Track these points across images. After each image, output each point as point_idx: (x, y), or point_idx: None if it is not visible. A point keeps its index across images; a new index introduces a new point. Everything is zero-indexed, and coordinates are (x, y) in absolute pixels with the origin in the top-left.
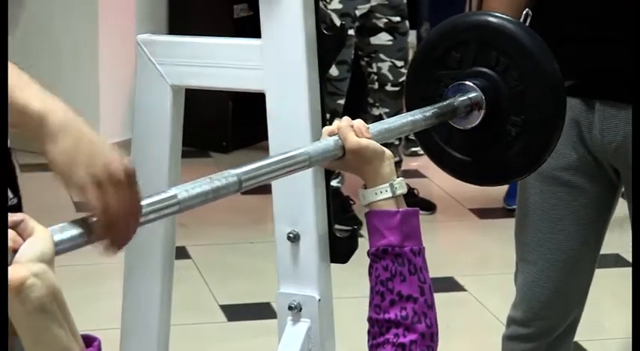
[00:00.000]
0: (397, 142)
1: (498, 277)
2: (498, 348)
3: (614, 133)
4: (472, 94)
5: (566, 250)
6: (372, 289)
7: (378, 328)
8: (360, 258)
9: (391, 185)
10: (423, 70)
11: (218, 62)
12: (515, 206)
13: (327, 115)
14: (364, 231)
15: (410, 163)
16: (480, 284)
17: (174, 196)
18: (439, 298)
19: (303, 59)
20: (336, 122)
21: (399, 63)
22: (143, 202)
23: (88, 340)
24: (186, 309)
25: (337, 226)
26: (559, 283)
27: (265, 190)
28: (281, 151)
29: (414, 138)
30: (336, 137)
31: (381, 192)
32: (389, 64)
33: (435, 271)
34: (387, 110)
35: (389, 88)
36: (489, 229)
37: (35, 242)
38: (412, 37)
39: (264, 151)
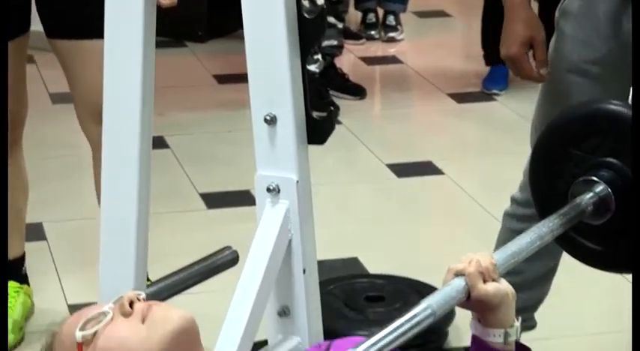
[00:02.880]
0: (340, 26)
1: (476, 161)
2: (476, 230)
3: None
4: (598, 189)
5: None
6: None
7: None
8: (340, 144)
9: (506, 333)
10: (555, 146)
11: None
12: (494, 90)
13: None
14: (342, 117)
15: (387, 49)
16: (458, 168)
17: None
18: (417, 182)
19: None
20: (463, 261)
21: None
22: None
23: None
24: (165, 198)
25: (315, 112)
26: None
27: (243, 79)
28: (256, 39)
29: (392, 23)
30: (461, 283)
31: (494, 336)
32: None
33: (413, 155)
34: None
35: None
36: (468, 113)
37: None
38: None
39: (241, 39)
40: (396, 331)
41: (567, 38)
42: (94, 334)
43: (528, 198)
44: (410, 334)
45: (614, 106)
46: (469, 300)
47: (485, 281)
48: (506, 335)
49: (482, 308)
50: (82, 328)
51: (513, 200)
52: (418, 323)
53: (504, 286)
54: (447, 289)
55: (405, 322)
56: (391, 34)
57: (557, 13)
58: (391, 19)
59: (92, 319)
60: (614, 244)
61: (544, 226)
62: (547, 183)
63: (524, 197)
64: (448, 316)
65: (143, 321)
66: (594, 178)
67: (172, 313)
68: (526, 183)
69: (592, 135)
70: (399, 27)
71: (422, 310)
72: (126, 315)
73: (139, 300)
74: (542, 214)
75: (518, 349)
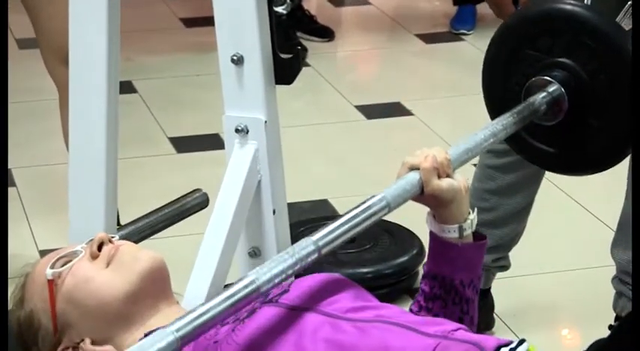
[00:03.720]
0: None
1: (445, 101)
2: None
3: None
4: (551, 88)
5: None
6: (418, 293)
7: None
8: (308, 86)
9: (460, 227)
10: (509, 47)
11: None
12: (462, 30)
13: None
14: (310, 59)
15: None
16: (426, 108)
17: (253, 282)
18: (386, 123)
19: None
20: (418, 156)
21: None
22: (223, 296)
23: None
24: (134, 142)
25: (282, 55)
26: None
27: (210, 22)
28: None
29: None
30: (415, 177)
31: (449, 231)
32: None
33: (381, 96)
34: None
35: None
36: (436, 53)
37: None
38: None
39: None
40: (351, 221)
41: None
42: (63, 271)
43: None
44: (364, 225)
45: (570, 6)
46: (423, 195)
47: (439, 177)
48: (461, 229)
49: (435, 204)
50: (53, 266)
51: None
52: (373, 214)
53: (458, 181)
54: (402, 183)
55: (360, 212)
56: None
57: None
58: None
59: (63, 257)
60: (567, 145)
61: (498, 123)
62: (501, 85)
63: None
64: (419, 257)
65: (108, 264)
66: (548, 78)
67: (141, 254)
68: None
69: (546, 34)
70: None
71: (377, 202)
72: (93, 256)
73: (110, 242)
74: (496, 116)
75: (476, 239)
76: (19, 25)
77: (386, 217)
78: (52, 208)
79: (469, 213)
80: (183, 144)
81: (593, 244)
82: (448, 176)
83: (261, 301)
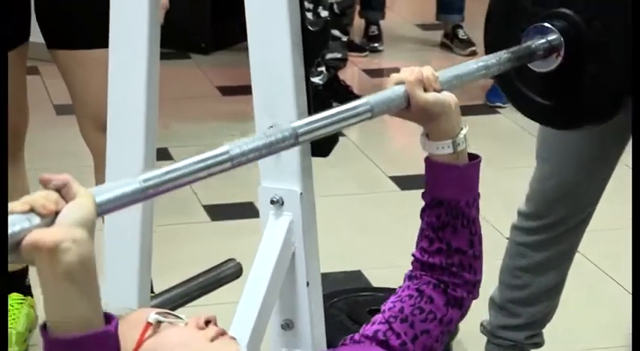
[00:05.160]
0: (344, 38)
1: (480, 174)
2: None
3: None
4: (551, 37)
5: (580, 148)
6: (421, 231)
7: (419, 266)
8: (343, 156)
9: (454, 142)
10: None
11: None
12: (497, 103)
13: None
14: (345, 130)
15: (391, 62)
16: None
17: (227, 152)
18: (420, 194)
19: None
20: (405, 71)
21: None
22: (194, 159)
23: (108, 318)
24: (169, 210)
25: None
26: (570, 184)
27: (247, 91)
28: (260, 51)
29: (375, 32)
30: (402, 89)
31: (442, 147)
32: None
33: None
34: None
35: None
36: (471, 125)
37: (77, 206)
38: None
39: (244, 52)
40: (335, 116)
41: None
42: (163, 324)
43: (534, 210)
44: (346, 123)
45: None
46: (410, 109)
47: (426, 90)
48: (455, 144)
49: (424, 118)
50: (158, 314)
51: (519, 213)
52: (355, 115)
53: (446, 96)
54: (386, 92)
55: (344, 110)
56: (375, 45)
57: None
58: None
59: (170, 314)
60: (563, 97)
61: (493, 57)
62: (502, 36)
63: (530, 209)
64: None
65: (213, 340)
66: (546, 25)
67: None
68: (533, 194)
69: None
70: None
71: (361, 104)
72: (199, 327)
73: (215, 324)
74: None
75: (470, 158)
76: (56, 90)
77: None
78: None
79: (461, 129)
80: (218, 212)
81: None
82: (435, 91)
83: None
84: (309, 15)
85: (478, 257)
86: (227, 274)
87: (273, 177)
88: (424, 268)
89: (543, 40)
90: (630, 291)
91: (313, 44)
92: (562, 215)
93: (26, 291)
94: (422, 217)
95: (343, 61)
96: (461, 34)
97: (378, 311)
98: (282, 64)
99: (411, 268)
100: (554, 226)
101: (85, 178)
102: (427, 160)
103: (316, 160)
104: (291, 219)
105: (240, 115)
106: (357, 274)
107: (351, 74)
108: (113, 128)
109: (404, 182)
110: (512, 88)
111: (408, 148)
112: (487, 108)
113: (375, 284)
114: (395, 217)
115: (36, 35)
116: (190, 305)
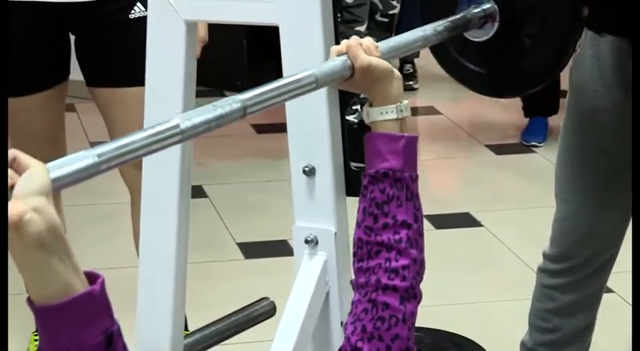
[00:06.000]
0: (411, 70)
1: (515, 213)
2: (515, 283)
3: None
4: (486, 6)
5: (598, 192)
6: (363, 210)
7: (366, 250)
8: None
9: (397, 107)
10: None
11: None
12: (533, 142)
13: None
14: None
15: (426, 100)
16: (496, 220)
17: (177, 126)
18: (455, 233)
19: None
20: (345, 42)
21: None
22: (145, 133)
23: (92, 278)
24: (203, 247)
25: (352, 163)
26: (590, 224)
27: (281, 129)
28: None
29: (410, 70)
30: (344, 57)
31: (387, 112)
32: None
33: (451, 206)
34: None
35: (378, 17)
36: (506, 164)
37: (31, 176)
38: None
39: None
40: (281, 88)
41: (579, 89)
42: None
43: (559, 253)
44: (290, 95)
45: None
46: (354, 77)
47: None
48: (398, 109)
49: (369, 82)
50: None
51: (544, 255)
52: (300, 87)
53: (388, 63)
54: (330, 62)
55: (289, 83)
56: (408, 82)
57: (570, 65)
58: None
59: None
60: (495, 66)
61: (430, 28)
62: (438, 3)
63: (555, 252)
64: None
65: None
66: None
67: None
68: (555, 236)
69: None
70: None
71: (306, 76)
72: None
73: None
74: None
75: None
76: (93, 128)
77: (455, 330)
78: (119, 311)
79: (403, 98)
80: (252, 250)
81: None
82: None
83: None
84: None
85: (422, 235)
86: (260, 312)
87: (307, 216)
88: (370, 253)
89: (478, 9)
90: None
91: None
92: (586, 256)
93: None
94: (363, 195)
95: None
96: None
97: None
98: (317, 103)
99: (353, 260)
100: (581, 268)
101: (117, 214)
102: (369, 134)
103: (350, 200)
104: (325, 258)
105: (274, 152)
106: None
107: None
108: (149, 165)
109: (438, 221)
110: (451, 60)
111: (442, 187)
112: (523, 147)
113: None
114: (428, 255)
115: (73, 73)
116: (224, 344)
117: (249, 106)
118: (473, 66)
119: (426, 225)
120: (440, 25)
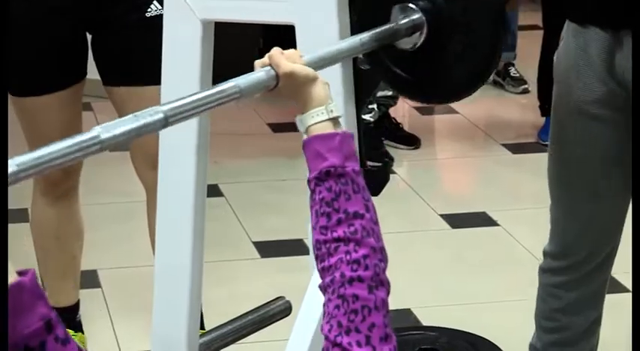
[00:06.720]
0: None
1: (531, 212)
2: (531, 282)
3: None
4: (415, 16)
5: (592, 187)
6: (315, 213)
7: (326, 249)
8: (393, 193)
9: (326, 108)
10: None
11: None
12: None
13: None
14: (396, 167)
15: None
16: (512, 219)
17: (97, 136)
18: (471, 232)
19: None
20: (267, 54)
21: None
22: (67, 143)
23: (24, 273)
24: (219, 246)
25: (369, 162)
26: (586, 220)
27: (296, 128)
28: None
29: None
30: (267, 68)
31: (317, 114)
32: None
33: (467, 206)
34: None
35: None
36: (522, 163)
37: None
38: None
39: None
40: (203, 100)
41: (565, 81)
42: None
43: (559, 249)
44: (213, 105)
45: None
46: (279, 86)
47: None
48: (328, 110)
49: (294, 89)
50: None
51: (545, 253)
52: (223, 97)
53: (311, 69)
54: (255, 73)
55: (212, 94)
56: None
57: (554, 58)
58: None
59: None
60: (424, 74)
61: (356, 38)
62: (371, 16)
63: (555, 249)
64: None
65: None
66: (410, 5)
67: None
68: (554, 232)
69: None
70: None
71: (230, 87)
72: None
73: None
74: None
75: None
76: None
77: (470, 330)
78: (136, 310)
79: (331, 99)
80: (267, 248)
81: None
82: None
83: None
84: (360, 54)
85: (377, 223)
86: (276, 311)
87: None
88: (330, 251)
89: (407, 20)
90: None
91: (364, 83)
92: (586, 252)
93: (77, 327)
94: (313, 199)
95: (394, 98)
96: (512, 71)
97: (427, 350)
98: None
99: (315, 262)
100: (582, 264)
101: (135, 213)
102: (306, 139)
103: None
104: None
105: (291, 151)
106: (406, 313)
107: (401, 111)
108: (164, 164)
109: (454, 220)
110: (388, 70)
111: (458, 186)
112: (539, 146)
113: (424, 323)
114: (445, 255)
115: (90, 72)
116: (239, 342)
117: (171, 116)
118: (404, 74)
119: (442, 224)
120: (365, 36)
